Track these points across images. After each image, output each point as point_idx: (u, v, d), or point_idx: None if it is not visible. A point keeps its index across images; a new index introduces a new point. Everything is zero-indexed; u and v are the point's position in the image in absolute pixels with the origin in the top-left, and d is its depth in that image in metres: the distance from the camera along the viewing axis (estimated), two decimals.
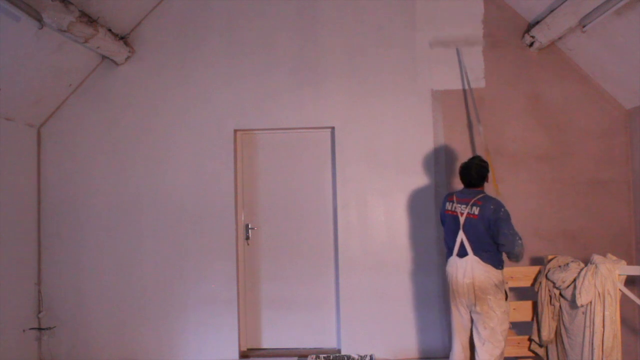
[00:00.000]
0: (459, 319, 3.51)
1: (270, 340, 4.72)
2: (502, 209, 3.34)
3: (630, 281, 3.82)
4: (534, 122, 4.51)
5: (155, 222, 4.60)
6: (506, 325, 3.39)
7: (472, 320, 3.49)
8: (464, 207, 3.41)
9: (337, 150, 4.58)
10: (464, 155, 4.50)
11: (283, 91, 4.61)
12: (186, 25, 4.66)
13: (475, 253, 3.35)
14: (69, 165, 4.66)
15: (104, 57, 4.60)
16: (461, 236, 3.39)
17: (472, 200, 3.39)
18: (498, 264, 3.39)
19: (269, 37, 4.62)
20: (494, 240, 3.35)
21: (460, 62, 4.50)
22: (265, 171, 4.78)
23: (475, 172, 3.47)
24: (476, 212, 3.35)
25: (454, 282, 3.43)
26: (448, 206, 3.53)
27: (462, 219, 3.40)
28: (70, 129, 4.68)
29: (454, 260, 3.45)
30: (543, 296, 3.76)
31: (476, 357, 3.45)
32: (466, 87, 4.46)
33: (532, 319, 3.91)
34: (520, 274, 3.95)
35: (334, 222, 4.63)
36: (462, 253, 3.40)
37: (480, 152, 4.33)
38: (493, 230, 3.32)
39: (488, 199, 3.41)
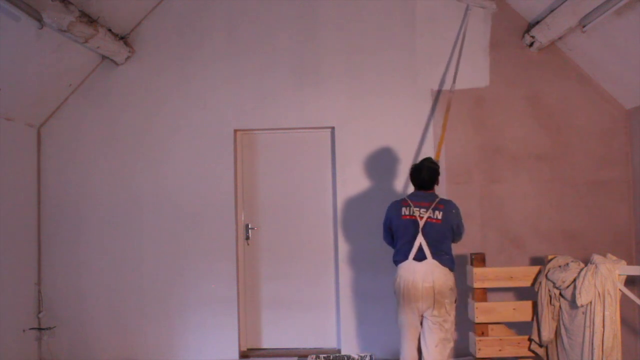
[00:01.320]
0: (414, 323, 3.43)
1: (270, 340, 4.72)
2: (459, 210, 3.50)
3: (630, 281, 3.81)
4: (534, 122, 4.50)
5: (155, 222, 4.60)
6: (454, 327, 3.50)
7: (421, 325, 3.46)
8: (423, 210, 3.38)
9: (337, 150, 4.58)
10: (463, 155, 4.51)
11: (283, 91, 4.60)
12: (186, 25, 4.66)
13: (434, 257, 3.34)
14: (69, 165, 4.66)
15: (104, 57, 4.59)
16: (420, 240, 3.35)
17: (433, 204, 3.39)
18: (453, 267, 3.43)
19: (269, 37, 4.62)
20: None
21: (463, 22, 4.46)
22: (265, 171, 4.78)
23: (427, 175, 3.48)
24: (439, 217, 3.37)
25: (412, 286, 3.34)
26: (405, 211, 3.44)
27: (421, 223, 3.37)
28: (70, 129, 4.68)
29: (410, 264, 3.36)
30: (543, 296, 3.76)
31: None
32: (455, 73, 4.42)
33: (532, 319, 3.91)
34: (520, 274, 3.94)
35: (334, 222, 4.63)
36: (420, 257, 3.36)
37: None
38: (455, 232, 3.47)
39: (447, 202, 3.49)
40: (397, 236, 3.47)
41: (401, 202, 3.50)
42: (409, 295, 3.36)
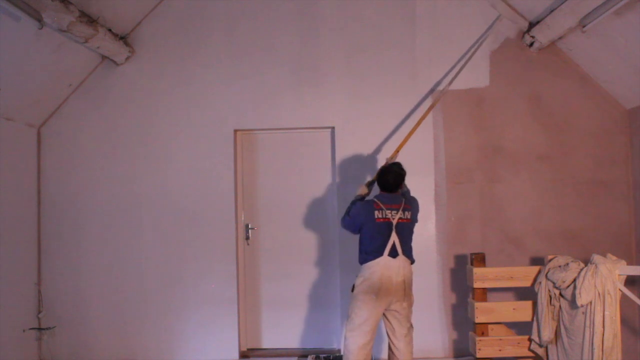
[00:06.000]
0: (377, 318, 3.54)
1: (270, 340, 4.72)
2: (417, 202, 3.75)
3: (630, 281, 3.82)
4: (534, 122, 4.50)
5: (155, 222, 4.60)
6: None
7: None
8: (394, 212, 3.54)
9: (337, 150, 4.58)
10: (463, 155, 4.51)
11: (283, 91, 4.60)
12: (186, 25, 4.66)
13: (404, 253, 3.54)
14: (69, 165, 4.66)
15: (104, 57, 4.60)
16: (394, 239, 3.52)
17: (402, 206, 3.57)
18: (414, 260, 3.64)
19: (269, 37, 4.62)
20: None
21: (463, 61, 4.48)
22: (265, 171, 4.78)
23: (392, 179, 3.62)
24: (409, 217, 3.60)
25: (387, 282, 3.47)
26: (378, 214, 3.54)
27: (394, 223, 3.53)
28: (70, 129, 4.68)
29: (385, 261, 3.49)
30: (543, 296, 3.76)
31: (402, 350, 3.57)
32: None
33: (532, 319, 3.91)
34: (520, 274, 3.95)
35: (334, 222, 4.63)
36: (393, 254, 3.51)
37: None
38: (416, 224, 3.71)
39: (411, 200, 3.69)
40: (369, 237, 3.56)
41: (372, 205, 3.57)
42: (382, 290, 3.48)
